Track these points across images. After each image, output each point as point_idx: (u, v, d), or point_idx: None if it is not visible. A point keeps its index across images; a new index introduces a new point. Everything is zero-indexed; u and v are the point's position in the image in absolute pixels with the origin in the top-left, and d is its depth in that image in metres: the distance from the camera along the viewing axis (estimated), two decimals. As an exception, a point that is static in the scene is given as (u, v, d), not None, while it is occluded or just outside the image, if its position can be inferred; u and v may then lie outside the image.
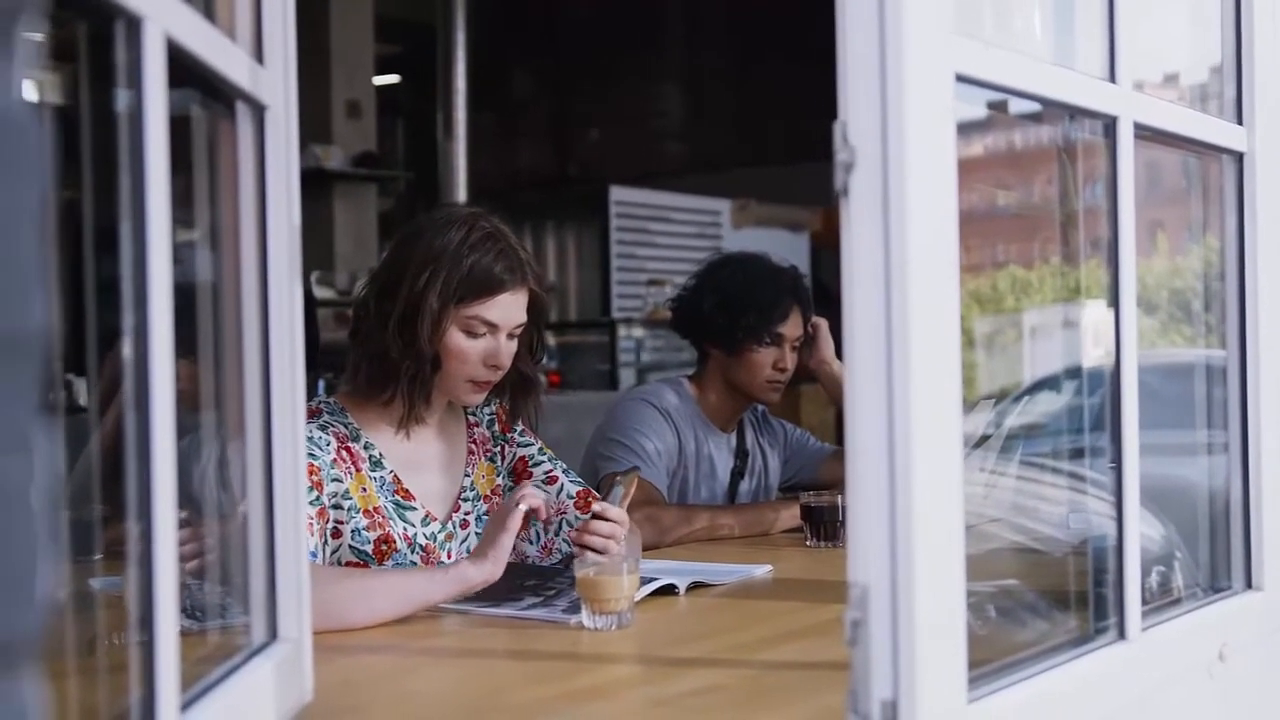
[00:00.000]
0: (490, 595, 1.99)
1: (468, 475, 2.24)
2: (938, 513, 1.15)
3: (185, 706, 1.05)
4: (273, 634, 1.32)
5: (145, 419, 0.97)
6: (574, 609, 1.84)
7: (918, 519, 1.12)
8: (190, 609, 1.25)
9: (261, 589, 1.32)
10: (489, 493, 2.26)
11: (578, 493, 2.26)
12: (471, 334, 2.10)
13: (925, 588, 1.12)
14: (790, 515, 2.71)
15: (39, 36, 0.60)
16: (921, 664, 1.12)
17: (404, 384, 2.09)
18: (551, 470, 2.29)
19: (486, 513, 2.24)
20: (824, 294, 5.23)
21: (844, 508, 2.54)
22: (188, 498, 1.11)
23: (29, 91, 0.57)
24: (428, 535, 2.14)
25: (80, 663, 1.13)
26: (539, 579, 2.07)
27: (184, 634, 1.03)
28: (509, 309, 2.11)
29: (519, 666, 1.64)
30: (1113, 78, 1.45)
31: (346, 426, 2.13)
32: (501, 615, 1.88)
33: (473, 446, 2.27)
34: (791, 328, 2.88)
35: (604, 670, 1.63)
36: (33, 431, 0.55)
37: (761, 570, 2.25)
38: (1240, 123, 1.73)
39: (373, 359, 2.10)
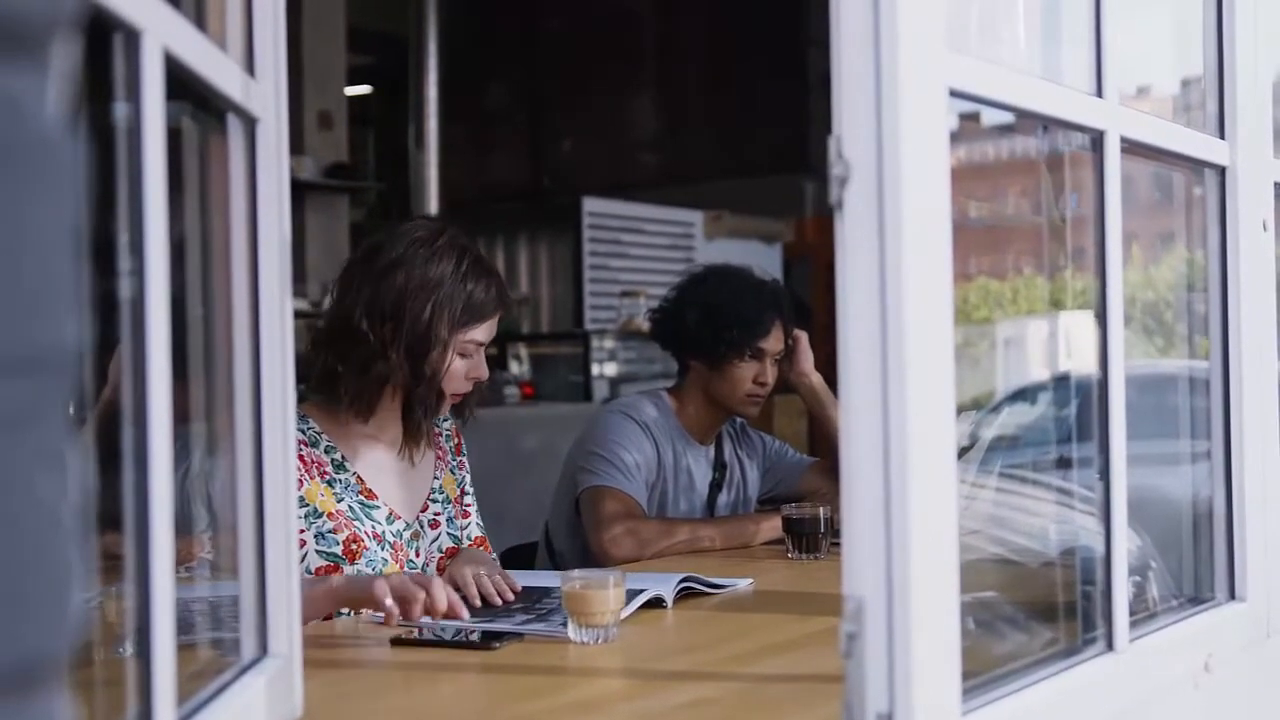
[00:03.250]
0: (483, 613, 1.97)
1: (437, 478, 2.32)
2: (933, 526, 1.15)
3: (179, 723, 1.04)
4: (263, 649, 1.31)
5: (142, 432, 0.96)
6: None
7: (913, 532, 1.12)
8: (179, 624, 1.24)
9: (252, 604, 1.31)
10: (455, 498, 2.36)
11: (477, 538, 2.37)
12: (464, 355, 2.20)
13: (921, 600, 1.12)
14: (771, 527, 2.71)
15: (73, 53, 0.60)
16: (917, 676, 1.12)
17: (418, 410, 2.18)
18: (470, 506, 2.40)
19: (453, 517, 2.33)
20: (796, 305, 5.23)
21: (825, 520, 2.54)
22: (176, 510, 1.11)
23: (62, 108, 0.57)
24: (394, 533, 2.20)
25: (72, 677, 1.12)
26: (527, 600, 2.06)
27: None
28: (494, 327, 2.23)
29: (508, 681, 1.63)
30: (1100, 92, 1.46)
31: (304, 432, 2.17)
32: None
33: (440, 453, 2.35)
34: (773, 343, 2.88)
35: (594, 684, 1.62)
36: (66, 448, 0.55)
37: (744, 584, 2.25)
38: (1222, 137, 1.74)
39: (372, 383, 2.16)
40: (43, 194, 0.53)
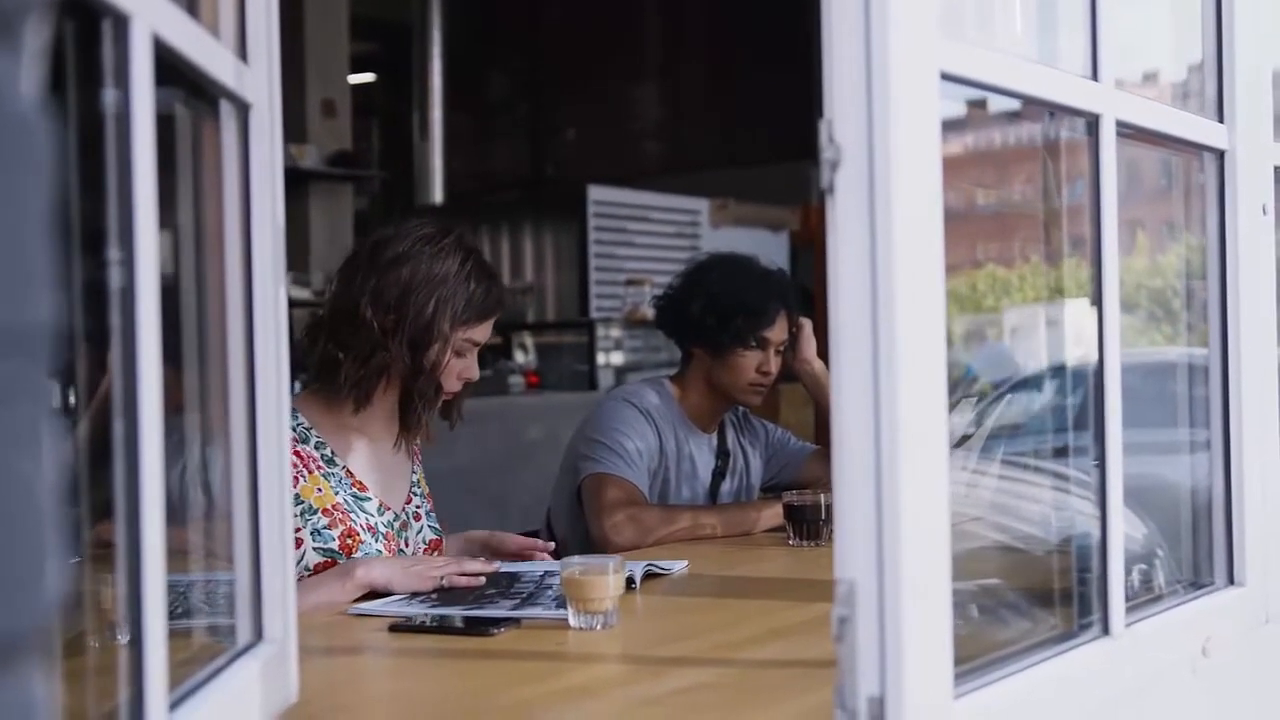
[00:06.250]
0: (464, 600, 1.96)
1: (414, 472, 2.36)
2: (924, 510, 1.15)
3: (172, 707, 1.04)
4: (258, 634, 1.32)
5: (132, 419, 0.96)
6: (564, 604, 1.82)
7: (904, 516, 1.12)
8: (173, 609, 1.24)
9: (247, 590, 1.31)
10: (427, 494, 2.39)
11: (432, 540, 2.35)
12: (460, 354, 2.22)
13: (912, 584, 1.13)
14: (772, 514, 2.71)
15: (45, 34, 0.60)
16: (908, 660, 1.12)
17: (417, 404, 2.20)
18: (430, 508, 2.39)
19: (430, 510, 2.36)
20: (802, 293, 5.23)
21: (826, 507, 2.54)
22: (169, 500, 1.11)
23: (35, 88, 0.57)
24: (385, 524, 2.23)
25: (61, 665, 1.12)
26: (505, 584, 2.07)
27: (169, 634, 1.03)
28: (490, 329, 2.27)
29: (505, 666, 1.63)
30: (1095, 76, 1.46)
31: (295, 429, 2.17)
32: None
33: (416, 450, 2.38)
34: (777, 332, 2.88)
35: (591, 669, 1.62)
36: (42, 427, 0.55)
37: (680, 565, 2.26)
38: (1221, 120, 1.74)
39: (372, 373, 2.17)
40: (17, 175, 0.53)
